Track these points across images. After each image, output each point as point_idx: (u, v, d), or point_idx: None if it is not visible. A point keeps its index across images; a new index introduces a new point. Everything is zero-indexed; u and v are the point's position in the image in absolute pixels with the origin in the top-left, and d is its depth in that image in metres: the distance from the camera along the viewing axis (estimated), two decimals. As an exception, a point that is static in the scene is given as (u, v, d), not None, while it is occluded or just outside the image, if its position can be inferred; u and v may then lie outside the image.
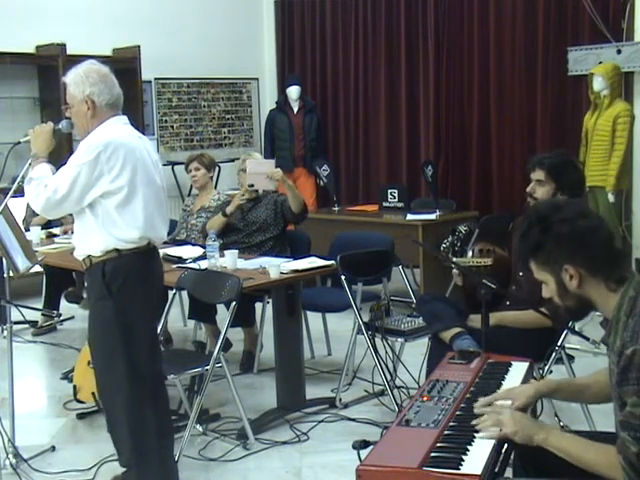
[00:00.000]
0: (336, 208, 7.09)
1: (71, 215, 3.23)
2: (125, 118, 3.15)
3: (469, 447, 2.05)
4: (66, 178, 2.96)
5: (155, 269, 3.23)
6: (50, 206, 3.01)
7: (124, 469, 3.27)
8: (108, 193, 2.97)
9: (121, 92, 3.14)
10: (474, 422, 2.14)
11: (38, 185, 3.00)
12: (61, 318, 6.03)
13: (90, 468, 3.61)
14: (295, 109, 8.18)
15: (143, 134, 3.26)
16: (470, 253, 3.71)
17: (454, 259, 3.59)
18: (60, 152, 6.88)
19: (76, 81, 3.06)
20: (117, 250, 3.02)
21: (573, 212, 2.05)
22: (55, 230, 5.90)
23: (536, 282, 2.19)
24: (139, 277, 3.10)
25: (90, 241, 3.04)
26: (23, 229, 4.03)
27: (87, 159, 2.94)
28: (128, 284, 3.05)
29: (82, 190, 2.95)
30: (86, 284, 3.21)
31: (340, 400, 4.32)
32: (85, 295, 6.03)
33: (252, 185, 5.06)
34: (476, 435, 2.10)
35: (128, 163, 2.98)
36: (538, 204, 2.19)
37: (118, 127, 3.09)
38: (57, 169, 3.07)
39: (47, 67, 7.44)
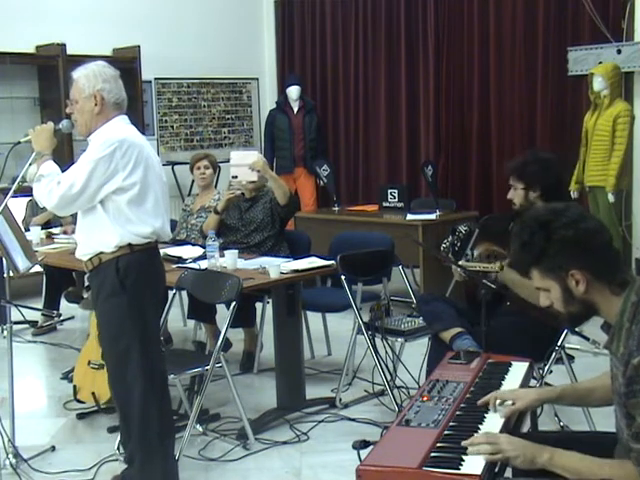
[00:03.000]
0: (336, 208, 7.09)
1: (72, 215, 3.23)
2: (128, 118, 3.16)
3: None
4: (82, 173, 2.95)
5: (161, 267, 3.27)
6: (65, 202, 3.00)
7: (123, 468, 3.27)
8: (121, 189, 2.98)
9: (126, 97, 3.16)
10: (466, 443, 2.04)
11: (50, 182, 2.99)
12: (61, 318, 6.03)
13: (90, 468, 3.61)
14: (295, 109, 8.18)
15: (143, 134, 3.27)
16: (476, 255, 3.70)
17: (460, 262, 3.58)
18: (61, 152, 6.88)
19: (88, 75, 3.06)
20: (130, 245, 3.03)
21: (575, 215, 2.02)
22: (55, 230, 5.90)
23: None
24: (150, 273, 3.13)
25: (102, 237, 3.03)
26: (23, 229, 4.03)
27: (104, 154, 2.94)
28: (140, 280, 3.06)
29: (98, 185, 2.95)
30: (92, 283, 3.18)
31: (340, 400, 4.32)
32: (86, 295, 6.05)
33: (236, 177, 5.07)
34: (469, 453, 2.03)
35: (141, 161, 3.00)
36: (534, 211, 2.12)
37: (126, 126, 3.11)
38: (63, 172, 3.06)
39: (47, 67, 7.44)
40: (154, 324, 3.21)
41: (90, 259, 3.09)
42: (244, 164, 5.01)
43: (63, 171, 3.03)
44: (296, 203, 5.20)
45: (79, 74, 3.08)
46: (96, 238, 3.05)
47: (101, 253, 3.05)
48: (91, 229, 3.07)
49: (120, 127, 3.07)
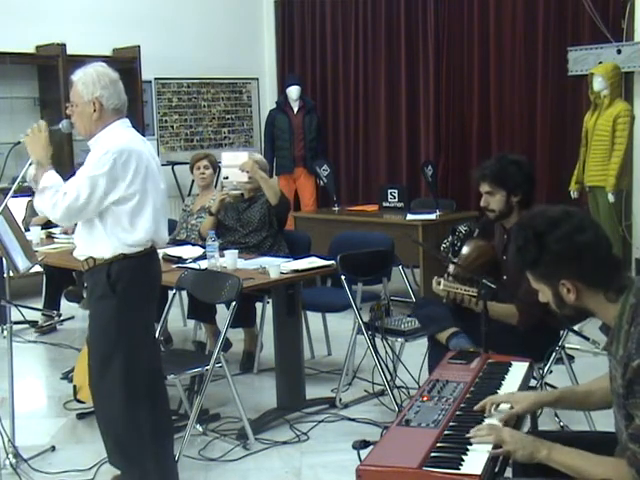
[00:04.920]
0: (336, 208, 7.09)
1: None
2: (128, 121, 3.16)
3: (469, 447, 2.05)
4: (85, 184, 2.93)
5: (156, 270, 3.26)
6: (71, 214, 2.98)
7: (120, 471, 3.27)
8: (123, 199, 2.98)
9: (126, 98, 3.15)
10: (470, 435, 2.10)
11: (54, 194, 2.97)
12: (61, 318, 6.03)
13: (90, 468, 3.61)
14: (295, 109, 8.18)
15: (143, 134, 3.27)
16: (463, 256, 3.67)
17: (443, 282, 3.54)
18: (60, 152, 6.88)
19: (86, 81, 3.04)
20: (123, 254, 3.03)
21: (570, 227, 2.00)
22: (55, 230, 5.89)
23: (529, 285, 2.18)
24: (142, 278, 3.12)
25: (97, 247, 3.04)
26: (23, 229, 4.03)
27: (105, 169, 2.93)
28: (132, 284, 3.05)
29: (102, 194, 2.95)
30: (86, 284, 3.20)
31: (340, 400, 4.32)
32: (85, 295, 6.04)
33: (227, 177, 5.10)
34: (473, 442, 2.08)
35: (140, 169, 3.00)
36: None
37: (125, 132, 3.10)
38: (65, 178, 3.05)
39: (47, 67, 7.44)
40: (142, 328, 3.18)
41: (85, 260, 3.10)
42: (235, 165, 5.03)
43: (64, 177, 3.02)
44: (286, 203, 5.19)
45: (78, 78, 3.06)
46: (90, 246, 3.06)
47: (95, 258, 3.06)
48: (87, 237, 3.07)
49: (119, 134, 3.06)
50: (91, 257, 3.06)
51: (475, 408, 2.31)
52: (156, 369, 3.26)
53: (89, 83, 3.03)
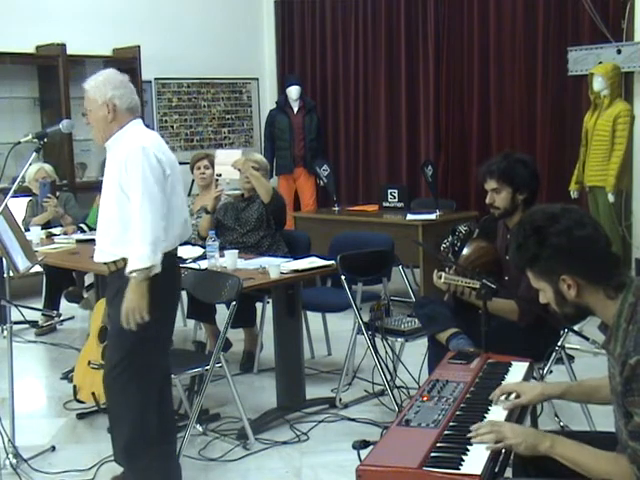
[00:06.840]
0: (336, 208, 7.09)
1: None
2: (141, 121, 3.16)
3: (469, 447, 2.05)
4: (143, 197, 2.89)
5: (180, 271, 3.28)
6: (160, 231, 2.91)
7: (124, 469, 3.27)
8: (171, 187, 3.00)
9: (139, 99, 3.16)
10: (471, 435, 2.10)
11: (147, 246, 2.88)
12: (61, 318, 6.03)
13: (90, 468, 3.61)
14: (295, 109, 8.19)
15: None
16: (464, 255, 3.67)
17: (444, 275, 3.54)
18: (60, 152, 6.87)
19: (97, 85, 3.06)
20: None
21: (570, 222, 2.02)
22: (55, 230, 5.89)
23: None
24: (172, 278, 3.12)
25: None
26: (23, 229, 4.03)
27: (144, 162, 2.91)
28: (164, 284, 3.03)
29: (160, 189, 2.93)
30: (113, 282, 3.10)
31: (340, 400, 4.32)
32: (86, 295, 6.05)
33: (220, 175, 5.12)
34: (473, 442, 2.08)
35: (166, 162, 3.00)
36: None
37: (142, 130, 3.11)
38: (64, 176, 3.05)
39: (47, 67, 7.44)
40: (166, 328, 3.20)
41: (114, 262, 3.06)
42: (229, 163, 5.05)
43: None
44: (279, 202, 5.18)
45: (89, 86, 3.09)
46: (127, 245, 2.96)
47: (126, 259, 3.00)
48: (120, 236, 3.00)
49: (137, 132, 3.07)
50: (123, 258, 3.00)
51: (491, 397, 2.34)
52: (166, 370, 3.27)
53: (100, 86, 3.06)
